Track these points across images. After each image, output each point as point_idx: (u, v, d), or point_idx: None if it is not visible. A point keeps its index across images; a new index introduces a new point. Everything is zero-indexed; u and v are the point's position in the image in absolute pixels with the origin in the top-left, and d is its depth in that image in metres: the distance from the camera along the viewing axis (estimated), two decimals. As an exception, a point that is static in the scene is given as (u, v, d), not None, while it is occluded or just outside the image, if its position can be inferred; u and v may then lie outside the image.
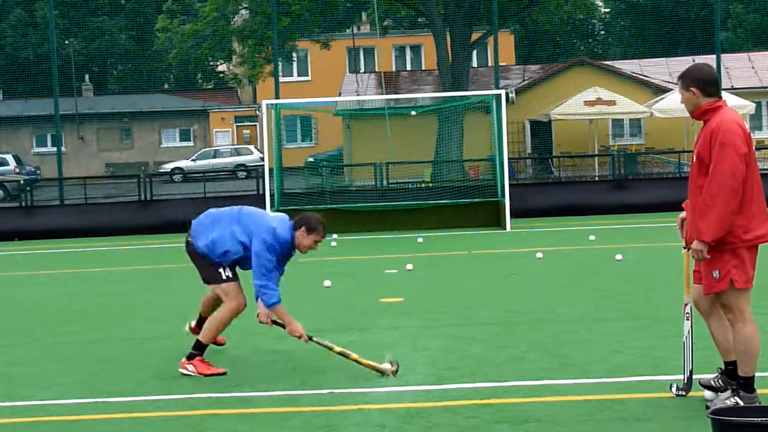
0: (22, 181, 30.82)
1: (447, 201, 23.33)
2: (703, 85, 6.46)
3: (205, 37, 42.80)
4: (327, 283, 13.27)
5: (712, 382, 6.76)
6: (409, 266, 14.83)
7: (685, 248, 6.67)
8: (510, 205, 21.57)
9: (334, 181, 29.55)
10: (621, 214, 23.16)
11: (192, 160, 50.76)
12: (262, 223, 8.23)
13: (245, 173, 41.65)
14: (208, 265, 8.47)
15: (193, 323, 9.14)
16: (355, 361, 7.89)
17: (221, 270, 8.40)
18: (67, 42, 56.88)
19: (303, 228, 8.16)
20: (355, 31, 52.56)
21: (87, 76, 60.45)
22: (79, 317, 11.72)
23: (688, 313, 6.85)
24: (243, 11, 43.83)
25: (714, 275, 6.37)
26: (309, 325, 10.04)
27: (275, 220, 8.33)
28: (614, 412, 6.55)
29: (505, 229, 21.24)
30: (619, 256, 14.83)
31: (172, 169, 49.47)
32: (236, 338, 9.70)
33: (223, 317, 8.35)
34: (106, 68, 66.64)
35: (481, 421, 6.45)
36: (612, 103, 36.62)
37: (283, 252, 8.22)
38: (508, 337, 9.30)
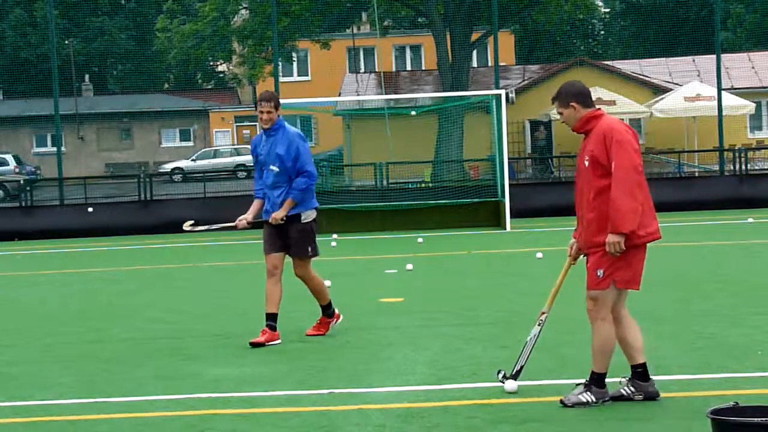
0: (22, 181, 30.83)
1: (447, 201, 23.33)
2: (582, 98, 6.81)
3: (205, 37, 42.82)
4: (327, 283, 13.21)
5: (622, 391, 6.80)
6: (409, 266, 14.83)
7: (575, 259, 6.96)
8: (510, 205, 21.57)
9: (334, 181, 29.53)
10: (621, 214, 23.11)
11: (192, 160, 50.77)
12: None
13: (245, 173, 41.65)
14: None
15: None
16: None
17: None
18: (67, 42, 56.88)
19: None
20: (355, 31, 52.57)
21: (87, 76, 60.46)
22: (79, 317, 11.72)
23: (542, 320, 7.10)
24: (243, 11, 43.84)
25: (598, 274, 6.62)
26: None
27: None
28: (614, 412, 6.54)
29: (505, 229, 21.24)
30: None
31: (172, 169, 49.48)
32: (235, 338, 9.70)
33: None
34: (106, 68, 66.65)
35: (481, 421, 6.45)
36: (612, 103, 36.61)
37: (252, 147, 9.55)
38: (508, 337, 9.29)
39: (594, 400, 6.63)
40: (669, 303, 10.78)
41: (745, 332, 9.01)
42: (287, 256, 9.36)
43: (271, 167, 9.24)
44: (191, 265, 16.96)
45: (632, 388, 6.77)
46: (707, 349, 8.35)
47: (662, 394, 6.90)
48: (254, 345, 9.04)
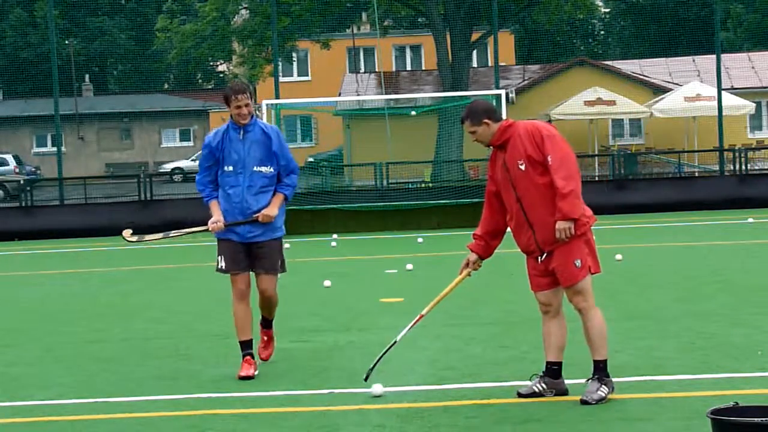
0: (22, 181, 30.82)
1: (447, 201, 23.32)
2: (492, 113, 6.92)
3: (205, 37, 42.80)
4: (327, 283, 13.26)
5: (535, 389, 6.94)
6: (409, 266, 14.82)
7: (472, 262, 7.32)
8: (510, 205, 21.53)
9: (334, 181, 29.54)
10: (621, 214, 23.15)
11: (192, 160, 50.74)
12: None
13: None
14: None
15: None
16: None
17: None
18: (67, 42, 56.88)
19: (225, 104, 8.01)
20: (355, 31, 52.55)
21: (87, 76, 60.46)
22: (79, 317, 11.72)
23: (415, 323, 7.40)
24: (243, 11, 43.83)
25: (576, 264, 6.79)
26: (309, 325, 10.05)
27: None
28: (614, 412, 6.54)
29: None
30: (619, 256, 14.82)
31: (172, 169, 49.47)
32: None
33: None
34: (106, 68, 66.67)
35: (481, 421, 6.45)
36: (612, 103, 36.61)
37: (215, 144, 8.14)
38: (508, 337, 9.30)
39: (609, 390, 6.73)
40: (669, 303, 10.78)
41: (745, 332, 9.01)
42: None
43: (259, 168, 7.97)
44: (191, 265, 16.96)
45: (544, 385, 6.94)
46: (707, 349, 8.35)
47: (662, 394, 6.90)
48: (245, 378, 7.87)
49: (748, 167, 29.25)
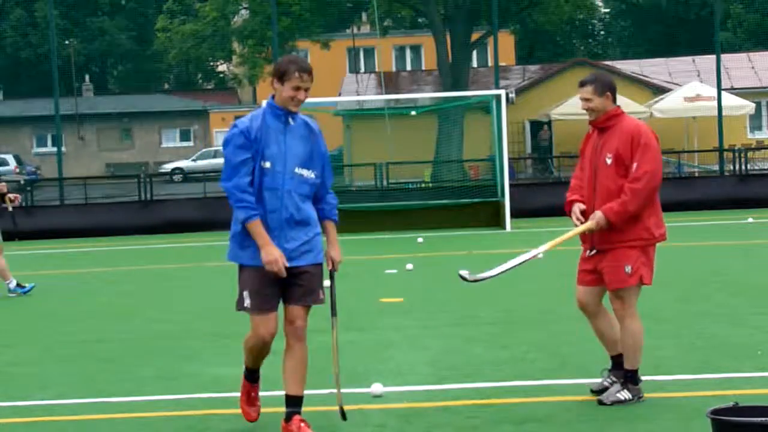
0: (22, 181, 30.82)
1: (447, 201, 23.32)
2: (615, 92, 6.76)
3: (205, 37, 42.83)
4: (327, 283, 13.23)
5: (606, 383, 6.87)
6: (409, 266, 14.82)
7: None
8: (510, 205, 21.56)
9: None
10: (621, 214, 23.10)
11: (192, 160, 50.79)
12: None
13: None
14: None
15: None
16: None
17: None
18: (67, 42, 56.89)
19: (273, 80, 6.12)
20: (355, 31, 52.57)
21: (87, 76, 60.49)
22: (79, 317, 11.72)
23: (536, 256, 7.15)
24: (243, 11, 43.85)
25: (627, 270, 6.64)
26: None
27: None
28: (614, 412, 6.54)
29: (505, 229, 21.23)
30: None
31: (173, 169, 49.49)
32: (235, 338, 9.70)
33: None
34: (106, 68, 66.69)
35: (481, 421, 6.44)
36: (612, 103, 36.57)
37: (255, 131, 5.99)
38: (508, 337, 9.30)
39: (630, 397, 6.64)
40: (669, 303, 10.77)
41: (745, 332, 9.01)
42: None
43: (300, 171, 6.12)
44: (191, 265, 16.95)
45: (614, 379, 6.83)
46: (707, 349, 8.35)
47: (662, 394, 6.90)
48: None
49: (748, 167, 29.26)
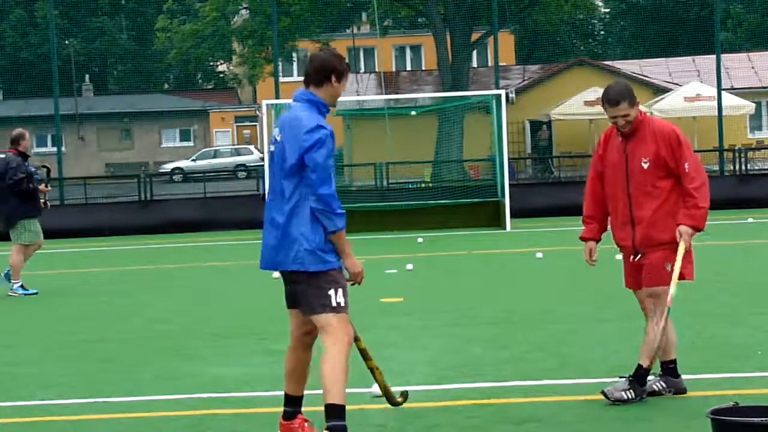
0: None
1: (447, 201, 23.32)
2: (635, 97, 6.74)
3: (205, 37, 42.82)
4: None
5: (654, 387, 6.85)
6: (409, 266, 14.82)
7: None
8: (510, 205, 21.56)
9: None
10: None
11: (192, 160, 50.78)
12: None
13: (245, 173, 41.65)
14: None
15: None
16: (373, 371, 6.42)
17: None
18: (67, 42, 56.89)
19: (331, 77, 5.92)
20: (355, 31, 52.56)
21: (87, 76, 60.47)
22: (79, 317, 11.72)
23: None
24: (243, 11, 43.84)
25: (667, 268, 6.64)
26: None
27: None
28: (614, 412, 6.54)
29: (505, 229, 21.23)
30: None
31: (172, 169, 49.48)
32: (236, 338, 9.70)
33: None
34: (106, 68, 66.66)
35: (481, 421, 6.44)
36: (612, 103, 36.56)
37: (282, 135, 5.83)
38: (508, 337, 9.30)
39: (633, 397, 6.63)
40: (669, 303, 10.76)
41: (745, 332, 9.01)
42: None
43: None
44: (191, 265, 16.96)
45: (663, 384, 6.82)
46: (707, 349, 8.35)
47: (662, 394, 6.90)
48: None
49: (748, 167, 29.24)
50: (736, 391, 6.78)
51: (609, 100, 6.65)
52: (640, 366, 6.68)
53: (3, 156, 14.57)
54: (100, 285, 14.77)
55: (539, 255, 15.66)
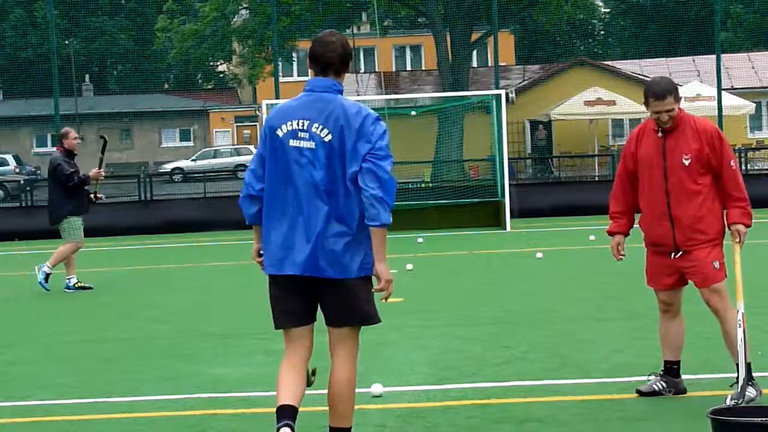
0: (22, 181, 30.81)
1: (447, 201, 23.32)
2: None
3: (205, 37, 42.80)
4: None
5: (654, 387, 6.83)
6: (409, 266, 14.81)
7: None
8: (510, 205, 21.56)
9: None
10: (621, 214, 23.10)
11: (192, 160, 50.77)
12: None
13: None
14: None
15: None
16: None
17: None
18: (67, 42, 56.87)
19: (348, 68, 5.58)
20: (355, 31, 52.55)
21: (87, 76, 60.47)
22: (79, 317, 11.72)
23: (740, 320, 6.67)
24: (243, 11, 43.83)
25: (715, 266, 6.63)
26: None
27: None
28: (614, 412, 6.54)
29: (505, 229, 21.23)
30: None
31: (172, 169, 49.46)
32: (236, 338, 9.70)
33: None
34: (106, 68, 66.64)
35: (481, 421, 6.44)
36: (612, 103, 36.62)
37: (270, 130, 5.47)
38: (508, 337, 9.29)
39: (757, 393, 6.46)
40: (669, 303, 10.76)
41: (745, 332, 8.99)
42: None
43: None
44: (191, 265, 16.95)
45: (663, 383, 6.81)
46: (707, 349, 8.34)
47: (662, 394, 6.90)
48: None
49: (748, 167, 29.24)
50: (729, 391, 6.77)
51: (655, 94, 6.51)
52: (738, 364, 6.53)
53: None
54: (101, 285, 14.77)
55: (539, 255, 15.66)
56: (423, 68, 51.74)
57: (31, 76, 54.49)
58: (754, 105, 36.69)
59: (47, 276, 13.81)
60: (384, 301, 5.63)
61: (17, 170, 43.73)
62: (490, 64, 47.09)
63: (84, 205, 14.24)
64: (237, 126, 58.81)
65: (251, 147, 50.77)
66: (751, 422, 5.24)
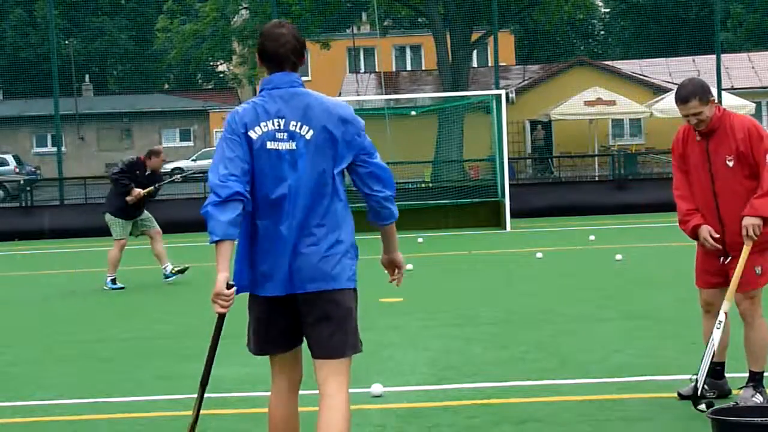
0: (22, 181, 30.82)
1: (447, 201, 23.32)
2: (711, 92, 6.49)
3: (205, 37, 42.82)
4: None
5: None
6: (409, 266, 14.80)
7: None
8: (510, 205, 21.57)
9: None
10: (621, 214, 23.15)
11: (192, 160, 50.78)
12: None
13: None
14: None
15: None
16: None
17: None
18: (67, 42, 56.87)
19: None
20: (355, 31, 52.56)
21: (87, 76, 60.44)
22: (79, 317, 11.72)
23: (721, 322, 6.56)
24: (243, 11, 43.84)
25: (757, 271, 6.42)
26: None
27: None
28: (614, 412, 6.54)
29: (505, 229, 21.23)
30: (619, 256, 14.83)
31: (172, 169, 49.41)
32: (236, 338, 9.69)
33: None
34: (106, 68, 66.62)
35: (481, 421, 6.44)
36: (612, 103, 36.62)
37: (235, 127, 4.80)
38: (508, 337, 9.29)
39: (762, 401, 6.36)
40: (669, 303, 10.77)
41: (745, 332, 8.99)
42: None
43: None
44: (191, 265, 16.94)
45: (706, 386, 6.64)
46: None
47: (662, 394, 6.90)
48: None
49: (748, 167, 29.22)
50: (736, 391, 6.77)
51: (679, 97, 6.43)
52: (752, 372, 6.50)
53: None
54: (100, 285, 14.77)
55: (539, 255, 15.66)
56: (423, 68, 51.73)
57: (31, 76, 54.50)
58: (754, 105, 36.68)
59: (112, 280, 13.89)
60: (397, 284, 5.55)
61: (17, 170, 43.72)
62: (490, 64, 47.08)
63: (125, 212, 14.38)
64: (237, 126, 58.77)
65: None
66: (751, 422, 5.24)
